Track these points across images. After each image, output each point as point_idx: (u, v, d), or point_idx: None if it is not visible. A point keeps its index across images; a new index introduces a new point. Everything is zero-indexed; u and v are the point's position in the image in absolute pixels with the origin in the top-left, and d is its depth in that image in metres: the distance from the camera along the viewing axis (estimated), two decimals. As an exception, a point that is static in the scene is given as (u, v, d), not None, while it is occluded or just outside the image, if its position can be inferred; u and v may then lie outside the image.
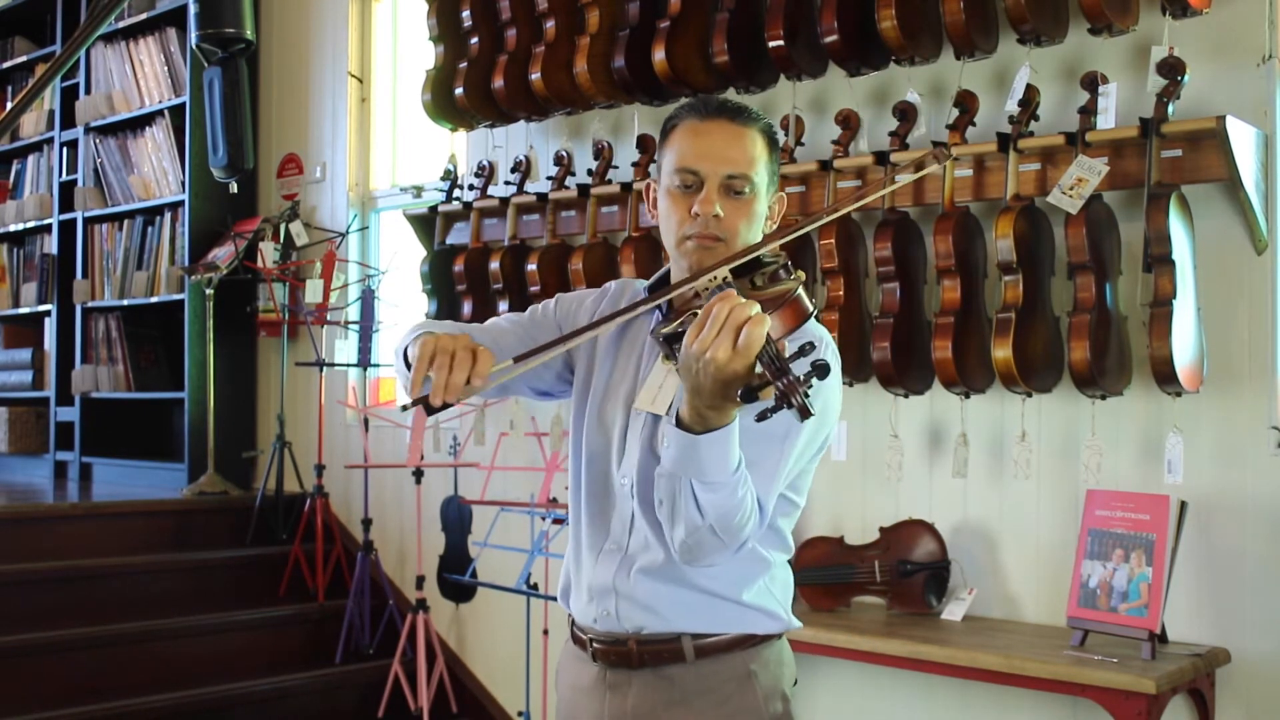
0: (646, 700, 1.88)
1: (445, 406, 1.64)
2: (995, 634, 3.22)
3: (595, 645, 1.93)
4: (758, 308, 1.56)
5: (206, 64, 4.49)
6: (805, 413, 1.50)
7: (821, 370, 1.51)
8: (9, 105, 5.37)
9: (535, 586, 3.88)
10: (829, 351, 1.81)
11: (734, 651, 1.88)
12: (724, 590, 1.86)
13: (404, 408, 1.77)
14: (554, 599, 3.80)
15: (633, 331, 1.94)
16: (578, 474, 1.96)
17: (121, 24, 5.76)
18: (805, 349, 1.53)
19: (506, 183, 4.37)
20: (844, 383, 3.18)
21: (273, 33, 5.55)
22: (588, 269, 3.92)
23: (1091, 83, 3.10)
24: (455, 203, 4.45)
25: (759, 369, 1.54)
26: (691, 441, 1.62)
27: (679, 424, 1.64)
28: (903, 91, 3.43)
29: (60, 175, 6.22)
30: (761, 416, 1.53)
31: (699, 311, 1.69)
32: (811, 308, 1.69)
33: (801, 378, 1.51)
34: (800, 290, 1.68)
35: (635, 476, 1.85)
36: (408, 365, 1.80)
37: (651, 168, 2.38)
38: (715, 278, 1.72)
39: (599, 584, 1.89)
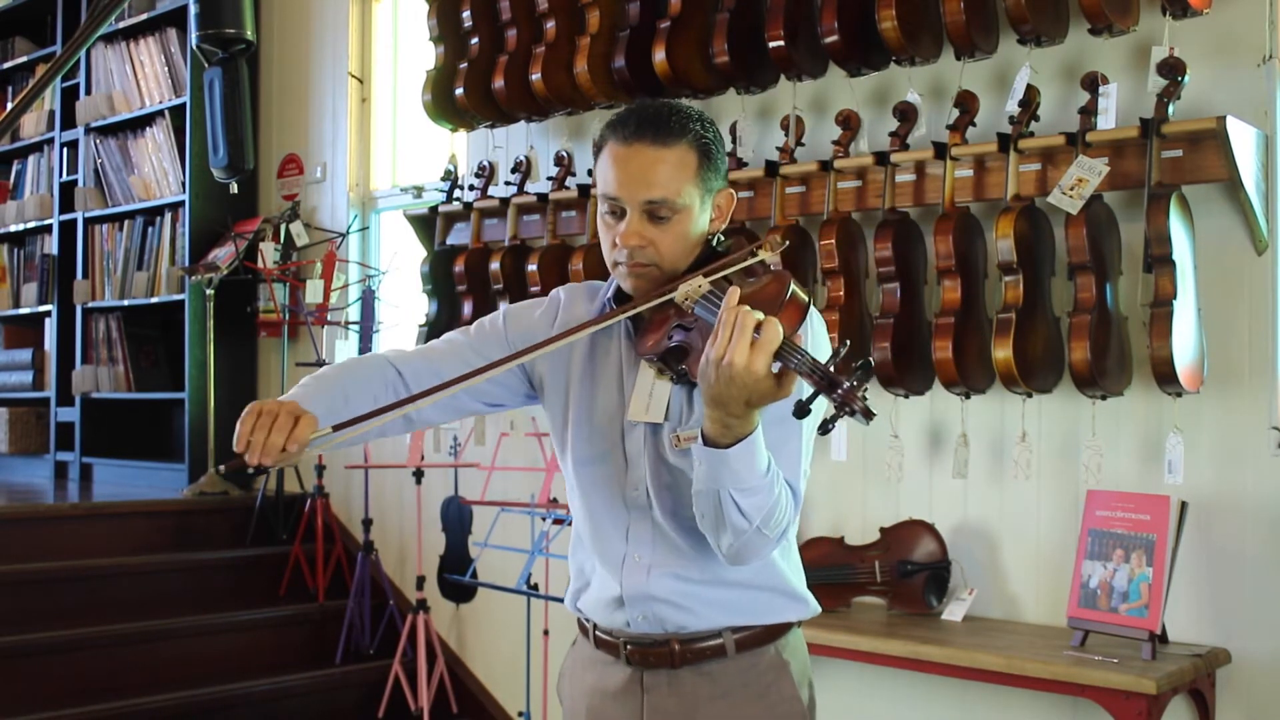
0: (687, 697, 1.89)
1: (261, 469, 1.74)
2: (995, 634, 3.22)
3: (629, 648, 1.92)
4: (760, 315, 1.58)
5: (206, 64, 4.48)
6: (869, 415, 1.54)
7: (867, 371, 1.53)
8: (9, 105, 5.37)
9: (535, 587, 3.88)
10: (819, 323, 1.84)
11: (769, 642, 1.91)
12: (756, 579, 1.88)
13: (218, 469, 1.93)
14: (554, 599, 3.81)
15: (603, 345, 1.93)
16: (576, 491, 1.96)
17: (121, 24, 5.75)
18: (839, 352, 1.55)
19: (507, 183, 4.37)
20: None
21: (273, 33, 5.55)
22: (588, 269, 3.91)
23: (1092, 83, 3.09)
24: (455, 203, 4.44)
25: (809, 386, 1.56)
26: (720, 456, 1.64)
27: (705, 441, 1.65)
28: (903, 92, 3.43)
29: (60, 175, 6.22)
30: (824, 429, 1.57)
31: (686, 324, 1.72)
32: (807, 297, 1.70)
33: (854, 384, 1.53)
34: (793, 286, 1.68)
35: (650, 486, 1.86)
36: None
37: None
38: (696, 287, 1.74)
39: (632, 593, 1.88)
